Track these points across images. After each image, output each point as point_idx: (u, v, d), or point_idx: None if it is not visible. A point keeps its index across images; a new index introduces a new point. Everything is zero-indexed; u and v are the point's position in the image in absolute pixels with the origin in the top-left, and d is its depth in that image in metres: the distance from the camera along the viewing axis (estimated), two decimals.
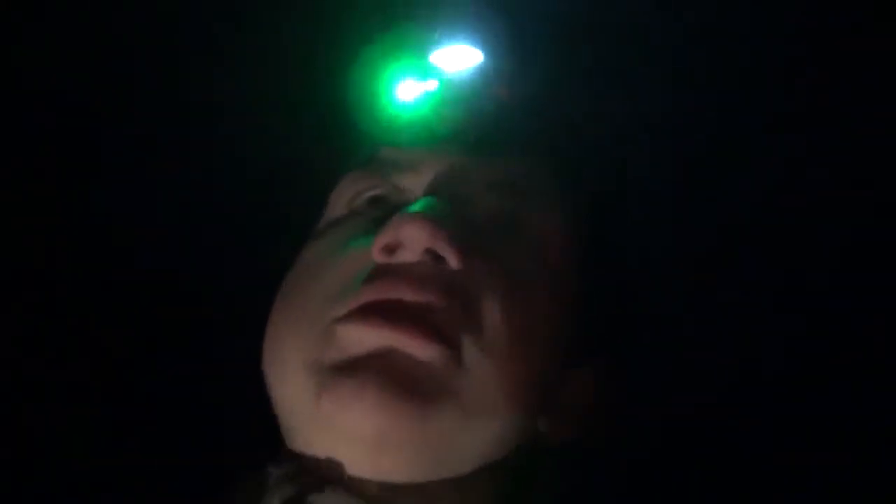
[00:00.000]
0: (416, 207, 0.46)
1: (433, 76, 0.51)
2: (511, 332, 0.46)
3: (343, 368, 0.44)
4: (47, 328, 0.57)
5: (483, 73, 0.51)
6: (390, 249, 0.46)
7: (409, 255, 0.46)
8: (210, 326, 0.57)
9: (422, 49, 0.51)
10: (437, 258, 0.46)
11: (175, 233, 0.56)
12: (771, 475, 0.57)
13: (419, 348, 0.44)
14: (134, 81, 0.55)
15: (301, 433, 0.47)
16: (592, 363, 0.53)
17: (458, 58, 0.51)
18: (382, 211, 0.49)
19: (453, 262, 0.46)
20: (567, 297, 0.50)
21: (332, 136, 0.54)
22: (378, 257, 0.46)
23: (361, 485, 0.45)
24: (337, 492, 0.44)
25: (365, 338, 0.44)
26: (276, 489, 0.45)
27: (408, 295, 0.45)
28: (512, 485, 0.49)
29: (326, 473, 0.45)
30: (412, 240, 0.45)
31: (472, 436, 0.46)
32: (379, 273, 0.46)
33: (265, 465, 0.48)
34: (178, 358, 0.56)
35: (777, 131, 0.60)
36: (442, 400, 0.44)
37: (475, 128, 0.51)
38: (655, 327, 0.58)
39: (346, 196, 0.53)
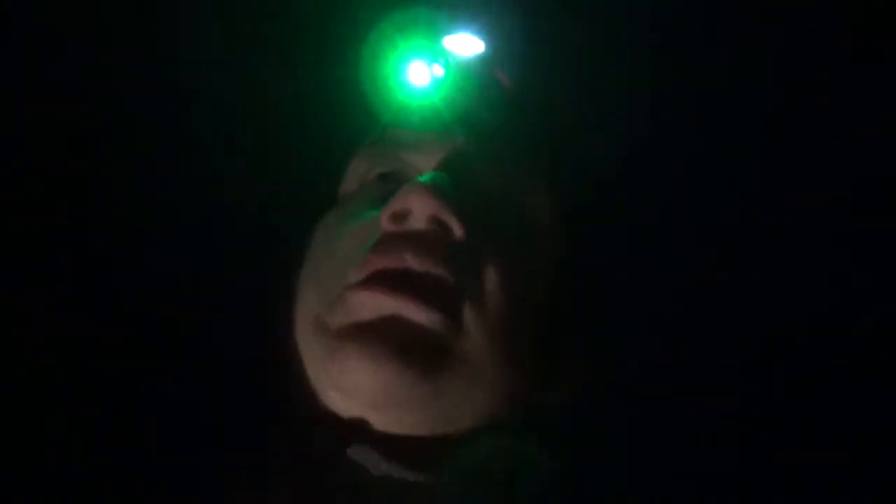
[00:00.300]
0: (423, 179, 0.49)
1: (442, 61, 0.53)
2: (507, 298, 0.49)
3: (349, 332, 0.47)
4: (48, 328, 0.57)
5: (488, 61, 0.54)
6: (398, 218, 0.49)
7: (416, 222, 0.48)
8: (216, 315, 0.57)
9: (432, 34, 0.53)
10: (442, 227, 0.49)
11: (183, 218, 0.56)
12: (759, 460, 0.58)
13: (421, 314, 0.47)
14: (141, 59, 0.55)
15: (323, 392, 0.50)
16: (584, 339, 0.56)
17: (466, 45, 0.54)
18: (391, 185, 0.52)
19: (457, 230, 0.49)
20: (558, 270, 0.53)
21: (345, 116, 0.55)
22: (386, 225, 0.49)
23: (381, 439, 0.47)
24: (362, 446, 0.47)
25: (370, 304, 0.47)
26: (307, 442, 0.48)
27: (413, 263, 0.47)
28: (515, 441, 0.50)
29: (348, 428, 0.48)
30: (419, 207, 0.48)
31: (472, 394, 0.49)
32: (386, 240, 0.48)
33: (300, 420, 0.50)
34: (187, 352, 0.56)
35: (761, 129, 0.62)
36: (443, 361, 0.47)
37: (479, 111, 0.54)
38: (641, 306, 0.59)
39: (357, 173, 0.56)
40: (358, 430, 0.48)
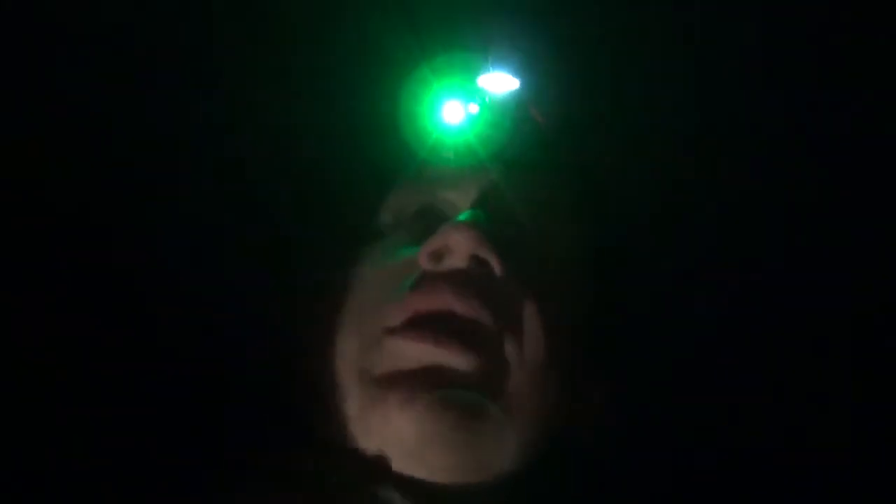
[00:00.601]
0: (463, 217, 0.50)
1: (476, 100, 0.55)
2: (544, 338, 0.50)
3: (392, 381, 0.47)
4: (49, 328, 0.58)
5: (522, 98, 0.56)
6: (437, 256, 0.49)
7: (456, 260, 0.49)
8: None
9: (467, 74, 0.55)
10: (481, 265, 0.49)
11: (213, 250, 0.58)
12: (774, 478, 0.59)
13: (463, 363, 0.47)
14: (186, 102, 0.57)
15: (350, 432, 0.49)
16: (609, 376, 0.57)
17: (500, 83, 0.55)
18: (428, 222, 0.53)
19: (496, 268, 0.49)
20: (589, 305, 0.54)
21: (382, 154, 0.58)
22: (425, 264, 0.49)
23: (405, 481, 0.47)
24: (384, 485, 0.47)
25: (413, 352, 0.47)
26: (338, 476, 0.48)
27: (456, 306, 0.48)
28: (541, 486, 0.51)
29: (373, 467, 0.48)
30: (459, 246, 0.49)
31: (509, 440, 0.49)
32: (426, 279, 0.49)
33: (312, 455, 0.50)
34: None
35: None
36: (483, 408, 0.47)
37: (514, 149, 0.55)
38: (665, 344, 0.60)
39: (393, 209, 0.57)
40: (381, 468, 0.48)
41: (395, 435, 0.46)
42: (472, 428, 0.47)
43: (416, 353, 0.47)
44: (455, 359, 0.47)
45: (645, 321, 0.61)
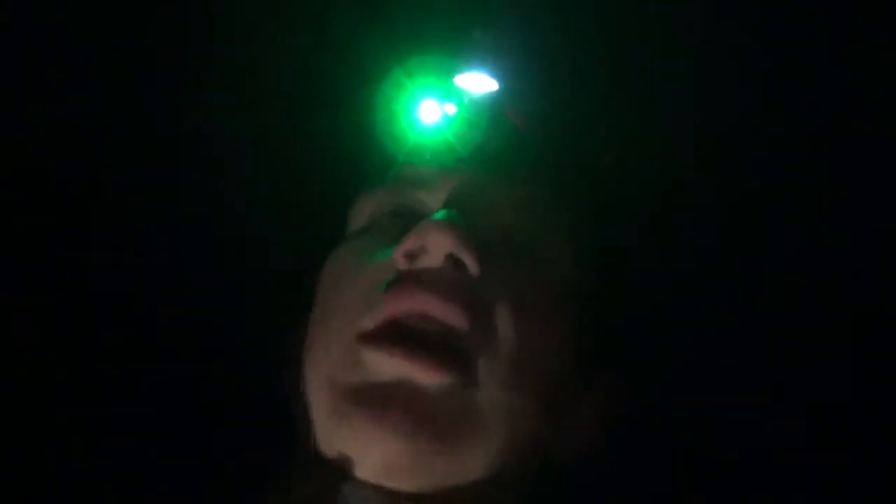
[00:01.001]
0: (440, 215, 0.48)
1: (453, 99, 0.54)
2: (522, 342, 0.48)
3: (361, 396, 0.46)
4: (48, 330, 0.58)
5: (499, 99, 0.55)
6: (412, 256, 0.48)
7: (432, 260, 0.47)
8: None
9: (443, 73, 0.54)
10: (457, 265, 0.48)
11: (195, 252, 0.57)
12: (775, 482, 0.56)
13: (435, 378, 0.45)
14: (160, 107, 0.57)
15: (324, 440, 0.48)
16: (601, 387, 0.55)
17: (477, 83, 0.54)
18: (402, 222, 0.51)
19: (473, 267, 0.47)
20: (572, 315, 0.52)
21: (355, 154, 0.57)
22: (400, 263, 0.48)
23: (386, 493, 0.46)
24: (363, 487, 0.46)
25: (384, 366, 0.46)
26: (306, 478, 0.47)
27: (430, 307, 0.46)
28: (523, 489, 0.50)
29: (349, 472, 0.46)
30: (436, 244, 0.47)
31: (482, 449, 0.47)
32: (400, 280, 0.47)
33: (289, 460, 0.49)
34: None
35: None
36: (455, 425, 0.46)
37: (490, 149, 0.54)
38: (659, 352, 0.58)
39: (366, 210, 0.56)
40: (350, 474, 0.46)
41: (363, 454, 0.45)
42: (442, 452, 0.45)
43: (388, 367, 0.46)
44: (427, 375, 0.45)
45: (637, 327, 0.59)
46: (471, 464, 0.47)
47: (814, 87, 0.63)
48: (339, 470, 0.46)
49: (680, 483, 0.62)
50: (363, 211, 0.56)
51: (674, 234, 0.64)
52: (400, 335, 0.46)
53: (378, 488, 0.45)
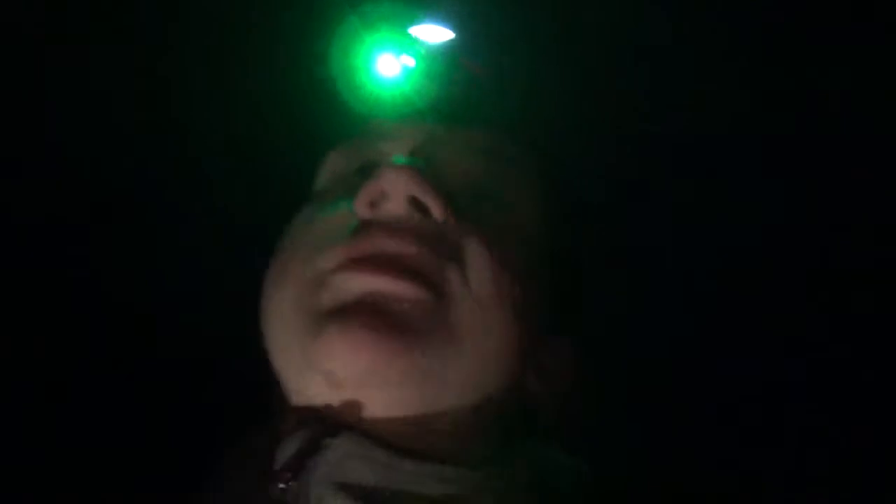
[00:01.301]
0: (397, 160, 0.49)
1: (411, 52, 0.54)
2: (491, 276, 0.48)
3: (331, 314, 0.45)
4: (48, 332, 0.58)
5: (456, 49, 0.55)
6: (374, 204, 0.48)
7: (393, 205, 0.47)
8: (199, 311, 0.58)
9: (400, 25, 0.54)
10: (421, 211, 0.48)
11: (166, 221, 0.57)
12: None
13: (403, 287, 0.45)
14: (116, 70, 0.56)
15: (299, 384, 0.48)
16: (571, 332, 0.55)
17: (434, 34, 0.54)
18: (365, 177, 0.50)
19: (437, 210, 0.47)
20: (539, 255, 0.52)
21: (319, 114, 0.56)
22: (362, 212, 0.48)
23: (368, 426, 0.45)
24: (350, 434, 0.45)
25: (352, 284, 0.46)
26: (288, 440, 0.46)
27: (390, 247, 0.46)
28: (504, 425, 0.50)
29: (336, 419, 0.46)
30: (395, 189, 0.47)
31: (459, 368, 0.47)
32: (363, 228, 0.47)
33: (271, 422, 0.48)
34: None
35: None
36: (427, 332, 0.45)
37: (450, 99, 0.54)
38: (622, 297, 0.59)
39: (333, 168, 0.56)
40: (340, 418, 0.46)
41: (341, 367, 0.44)
42: (417, 351, 0.45)
43: (356, 284, 0.46)
44: (394, 284, 0.45)
45: (603, 275, 0.60)
46: (448, 378, 0.46)
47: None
48: (318, 422, 0.46)
49: (656, 433, 0.63)
50: (329, 170, 0.56)
51: (638, 186, 0.64)
52: (364, 260, 0.46)
53: (359, 442, 0.45)
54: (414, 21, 0.54)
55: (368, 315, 0.45)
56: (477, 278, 0.47)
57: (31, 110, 0.57)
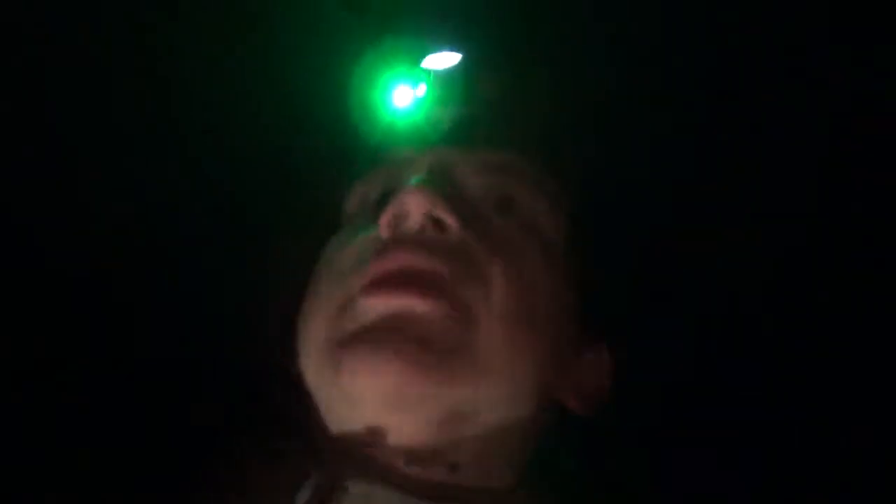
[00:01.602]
0: (413, 181, 0.51)
1: (423, 81, 0.56)
2: (516, 294, 0.49)
3: (356, 338, 0.47)
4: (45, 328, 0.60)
5: (465, 75, 0.57)
6: (395, 224, 0.50)
7: (412, 223, 0.50)
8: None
9: (412, 57, 0.56)
10: (439, 226, 0.50)
11: (188, 250, 0.59)
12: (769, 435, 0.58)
13: (425, 306, 0.47)
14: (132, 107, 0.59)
15: (331, 410, 0.50)
16: (606, 342, 0.56)
17: (443, 62, 0.57)
18: (388, 201, 0.52)
19: (453, 226, 0.50)
20: (564, 270, 0.53)
21: (341, 150, 0.59)
22: (384, 232, 0.50)
23: (390, 458, 0.47)
24: (368, 478, 0.47)
25: (377, 306, 0.48)
26: (307, 483, 0.48)
27: (414, 262, 0.48)
28: (533, 447, 0.51)
29: (359, 452, 0.48)
30: (413, 206, 0.49)
31: (486, 391, 0.48)
32: (385, 247, 0.50)
33: (304, 452, 0.50)
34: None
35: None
36: (454, 353, 0.47)
37: (464, 121, 0.56)
38: (654, 306, 0.59)
39: (357, 198, 0.58)
40: (367, 461, 0.47)
41: (366, 388, 0.46)
42: (441, 373, 0.46)
43: (379, 307, 0.47)
44: (417, 303, 0.47)
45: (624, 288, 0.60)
46: (475, 399, 0.47)
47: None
48: (341, 456, 0.48)
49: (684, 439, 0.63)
50: (354, 201, 0.58)
51: (657, 198, 0.64)
52: (386, 280, 0.48)
53: (375, 488, 0.46)
54: (427, 52, 0.57)
55: (392, 335, 0.46)
56: (501, 297, 0.48)
57: (30, 110, 0.59)
